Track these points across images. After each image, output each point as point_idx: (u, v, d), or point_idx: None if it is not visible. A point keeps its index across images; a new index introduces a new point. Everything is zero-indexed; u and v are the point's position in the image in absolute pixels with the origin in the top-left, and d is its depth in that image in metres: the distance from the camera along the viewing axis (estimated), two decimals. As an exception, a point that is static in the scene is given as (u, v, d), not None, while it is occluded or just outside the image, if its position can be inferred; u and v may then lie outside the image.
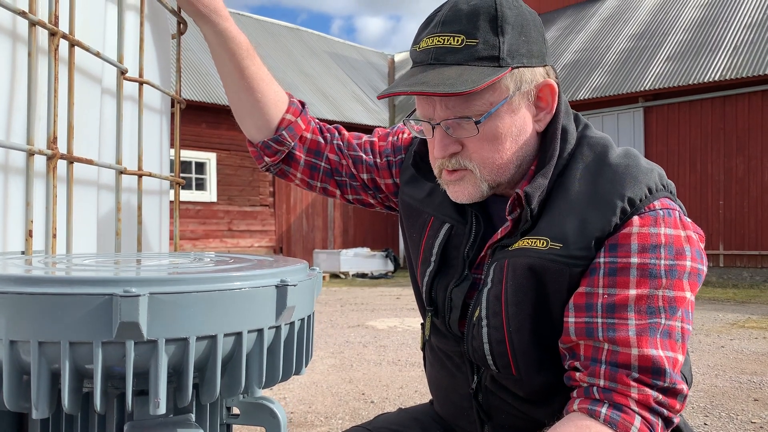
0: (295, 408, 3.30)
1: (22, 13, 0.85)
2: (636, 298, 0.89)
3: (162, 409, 0.54)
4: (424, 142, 1.09)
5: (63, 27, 0.94)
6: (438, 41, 0.93)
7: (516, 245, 0.97)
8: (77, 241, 0.99)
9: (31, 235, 0.86)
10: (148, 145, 1.24)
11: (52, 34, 0.91)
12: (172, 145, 1.43)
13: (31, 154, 0.87)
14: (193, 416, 0.64)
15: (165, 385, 0.55)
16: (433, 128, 0.97)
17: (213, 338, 0.57)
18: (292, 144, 1.21)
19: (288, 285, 0.61)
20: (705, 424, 3.01)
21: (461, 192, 0.99)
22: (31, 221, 0.86)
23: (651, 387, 0.88)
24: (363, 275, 11.47)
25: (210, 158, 11.61)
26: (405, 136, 1.24)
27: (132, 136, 1.19)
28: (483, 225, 1.05)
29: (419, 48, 0.96)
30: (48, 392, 0.54)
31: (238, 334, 0.59)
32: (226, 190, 11.81)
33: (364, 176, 1.23)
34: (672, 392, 0.88)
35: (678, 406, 0.90)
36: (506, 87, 0.94)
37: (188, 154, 11.18)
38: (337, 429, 2.91)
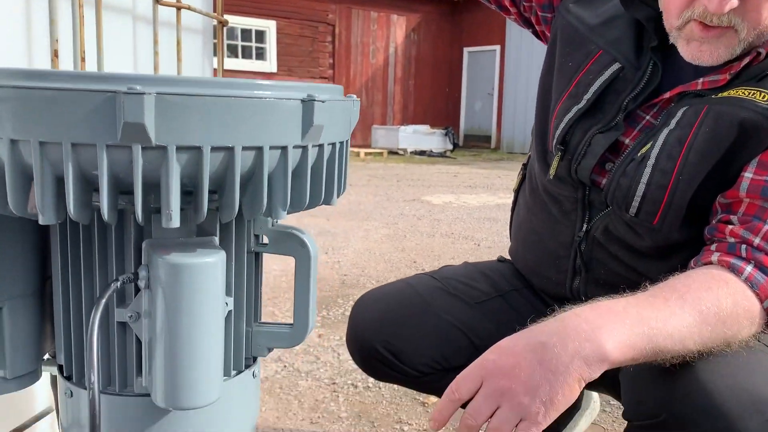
0: (348, 271, 3.39)
1: None
2: None
3: (175, 223, 0.50)
4: None
5: None
6: None
7: (725, 93, 0.87)
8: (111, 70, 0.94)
9: (56, 56, 0.81)
10: (186, -23, 1.15)
11: None
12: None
13: (51, -35, 0.80)
14: (216, 239, 0.60)
15: (178, 196, 0.50)
16: None
17: (230, 150, 0.51)
18: None
19: (315, 100, 0.54)
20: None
21: (709, 52, 0.86)
22: (57, 40, 0.81)
23: None
24: (421, 153, 11.36)
25: (270, 26, 11.35)
26: None
27: (168, -37, 1.10)
28: (658, 77, 0.95)
29: None
30: (53, 197, 0.50)
31: (259, 150, 0.53)
32: (286, 61, 11.64)
33: None
34: None
35: None
36: None
37: (247, 22, 10.96)
38: (387, 293, 2.97)
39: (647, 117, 0.97)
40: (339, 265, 3.53)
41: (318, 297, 2.88)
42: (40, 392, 0.85)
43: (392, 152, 11.42)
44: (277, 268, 3.34)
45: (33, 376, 0.65)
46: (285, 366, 2.08)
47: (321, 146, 0.58)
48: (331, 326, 2.49)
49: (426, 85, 13.33)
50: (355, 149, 10.91)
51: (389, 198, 6.11)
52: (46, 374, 0.71)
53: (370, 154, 10.82)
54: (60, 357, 0.62)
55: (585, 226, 1.03)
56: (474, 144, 13.29)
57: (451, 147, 11.86)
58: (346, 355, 2.08)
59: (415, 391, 1.85)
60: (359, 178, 7.69)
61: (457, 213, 5.31)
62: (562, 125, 1.01)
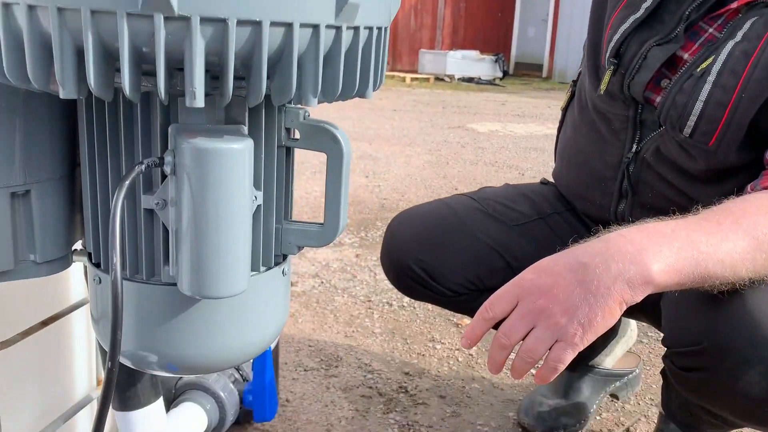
0: (388, 195, 3.37)
1: None
2: None
3: (199, 102, 0.47)
4: None
5: None
6: None
7: None
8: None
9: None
10: None
11: None
12: None
13: None
14: (245, 128, 0.57)
15: (202, 72, 0.47)
16: None
17: (257, 25, 0.47)
18: None
19: (352, -26, 0.50)
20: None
21: None
22: None
23: None
24: (469, 80, 11.05)
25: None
26: None
27: None
28: None
29: None
30: (74, 70, 0.48)
31: (288, 26, 0.49)
32: (334, -20, 11.32)
33: None
34: None
35: None
36: None
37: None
38: (427, 217, 2.96)
39: (710, 30, 0.88)
40: (379, 189, 3.51)
41: (357, 219, 2.88)
42: (75, 283, 0.87)
43: (439, 78, 11.15)
44: (318, 189, 3.34)
45: (63, 261, 0.65)
46: (322, 282, 2.11)
47: (356, 29, 0.54)
48: (368, 247, 2.50)
49: (478, 9, 12.81)
50: (401, 74, 10.70)
51: (433, 124, 6.01)
52: (80, 265, 0.71)
53: (416, 79, 10.59)
54: (89, 244, 0.62)
55: (635, 146, 0.97)
56: (525, 72, 12.85)
57: (500, 75, 11.49)
58: (382, 275, 2.08)
59: (449, 312, 1.85)
60: (404, 104, 7.56)
61: (503, 142, 5.19)
62: (617, 36, 0.93)
